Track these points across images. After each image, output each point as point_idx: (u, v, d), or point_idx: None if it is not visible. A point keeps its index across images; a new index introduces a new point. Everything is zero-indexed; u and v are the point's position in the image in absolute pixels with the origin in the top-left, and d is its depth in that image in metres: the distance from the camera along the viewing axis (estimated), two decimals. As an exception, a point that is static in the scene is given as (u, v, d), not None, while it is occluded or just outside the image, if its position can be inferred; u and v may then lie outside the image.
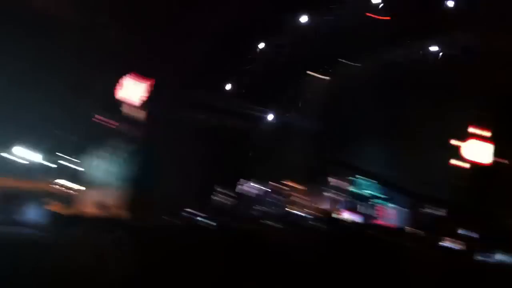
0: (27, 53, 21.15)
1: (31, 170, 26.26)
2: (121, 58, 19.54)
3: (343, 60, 19.53)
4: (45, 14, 19.61)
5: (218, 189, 19.21)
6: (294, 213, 18.09)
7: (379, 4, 16.39)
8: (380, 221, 17.41)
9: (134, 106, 20.90)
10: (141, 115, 20.41)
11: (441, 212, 16.71)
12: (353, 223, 15.47)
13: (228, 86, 21.29)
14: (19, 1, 18.45)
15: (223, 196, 18.49)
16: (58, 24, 19.80)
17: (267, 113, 22.11)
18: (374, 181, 18.76)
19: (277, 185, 18.91)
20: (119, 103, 20.33)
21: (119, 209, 13.51)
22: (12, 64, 21.48)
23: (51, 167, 28.19)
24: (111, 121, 21.81)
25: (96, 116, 23.48)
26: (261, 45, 20.00)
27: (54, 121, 23.35)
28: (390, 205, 18.22)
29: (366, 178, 18.91)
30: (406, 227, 15.72)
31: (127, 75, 20.61)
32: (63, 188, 21.89)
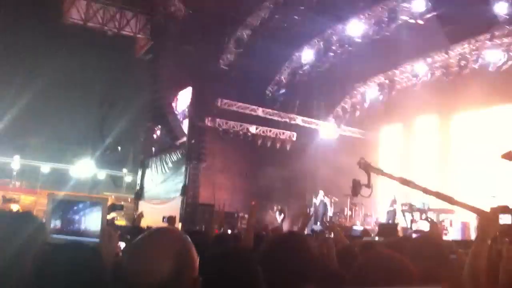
0: (83, 67, 22.09)
1: (91, 183, 27.33)
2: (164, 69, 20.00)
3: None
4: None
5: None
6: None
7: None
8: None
9: (185, 117, 21.32)
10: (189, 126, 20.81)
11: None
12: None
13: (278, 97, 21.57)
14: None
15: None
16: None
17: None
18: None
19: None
20: (170, 115, 20.75)
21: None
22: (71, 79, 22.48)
23: (111, 180, 29.27)
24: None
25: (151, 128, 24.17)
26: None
27: (113, 135, 24.26)
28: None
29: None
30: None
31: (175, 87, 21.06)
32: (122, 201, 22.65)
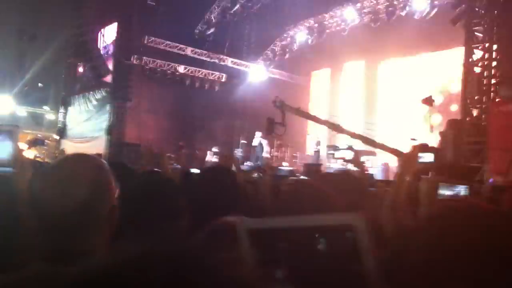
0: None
1: (10, 120, 26.07)
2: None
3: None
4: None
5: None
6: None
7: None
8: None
9: (110, 54, 20.60)
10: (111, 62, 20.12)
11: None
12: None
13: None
14: None
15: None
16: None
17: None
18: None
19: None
20: (94, 51, 19.91)
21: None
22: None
23: (32, 118, 28.06)
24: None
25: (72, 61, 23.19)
26: None
27: (33, 71, 23.11)
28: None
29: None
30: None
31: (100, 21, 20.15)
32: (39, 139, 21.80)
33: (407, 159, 2.83)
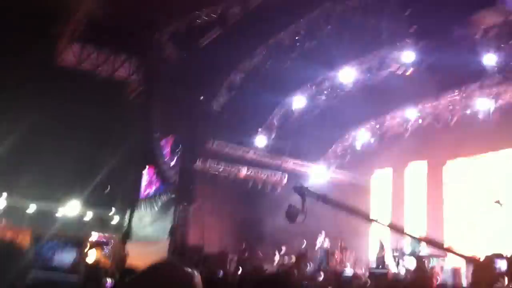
0: (74, 108, 22.11)
1: (78, 223, 26.98)
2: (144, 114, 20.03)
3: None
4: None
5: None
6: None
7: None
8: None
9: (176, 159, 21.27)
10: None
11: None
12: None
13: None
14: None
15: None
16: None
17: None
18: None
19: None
20: (160, 157, 20.67)
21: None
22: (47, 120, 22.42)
23: (98, 220, 28.87)
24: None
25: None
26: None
27: (102, 176, 24.09)
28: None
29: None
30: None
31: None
32: (103, 240, 22.27)
33: (483, 267, 2.75)
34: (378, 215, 13.84)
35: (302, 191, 11.90)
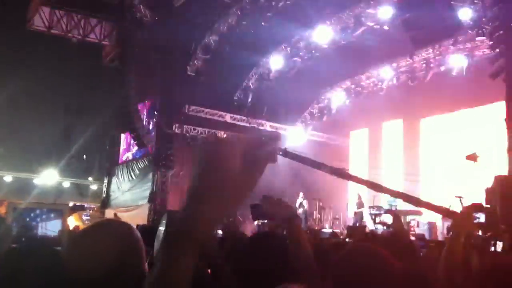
0: (48, 75, 21.70)
1: (56, 192, 26.83)
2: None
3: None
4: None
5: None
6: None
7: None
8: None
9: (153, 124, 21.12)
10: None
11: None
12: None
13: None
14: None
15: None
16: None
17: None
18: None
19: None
20: (137, 122, 20.48)
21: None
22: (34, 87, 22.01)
23: (76, 189, 28.76)
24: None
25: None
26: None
27: (78, 144, 23.86)
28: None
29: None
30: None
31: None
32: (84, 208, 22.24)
33: (462, 220, 2.79)
34: (357, 174, 14.00)
35: (285, 154, 11.95)
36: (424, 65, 17.36)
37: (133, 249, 1.64)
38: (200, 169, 1.02)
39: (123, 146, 24.27)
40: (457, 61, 16.20)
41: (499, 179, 10.46)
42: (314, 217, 18.44)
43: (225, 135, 21.08)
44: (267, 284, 1.84)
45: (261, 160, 1.06)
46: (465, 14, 14.04)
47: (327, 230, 15.18)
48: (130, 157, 23.17)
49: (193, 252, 0.98)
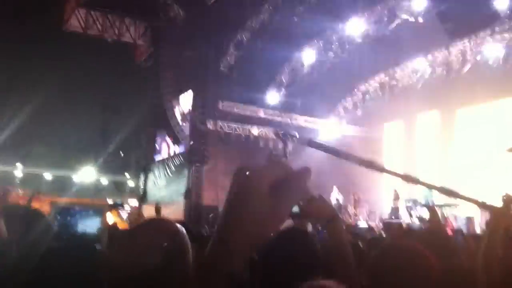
0: (84, 75, 22.13)
1: (94, 189, 27.41)
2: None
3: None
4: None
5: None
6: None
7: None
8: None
9: (187, 121, 21.30)
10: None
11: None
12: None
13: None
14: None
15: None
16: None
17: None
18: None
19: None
20: (172, 119, 20.71)
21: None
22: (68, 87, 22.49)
23: (114, 185, 29.28)
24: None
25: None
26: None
27: (115, 141, 24.27)
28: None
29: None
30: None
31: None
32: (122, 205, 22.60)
33: (501, 213, 2.76)
34: (391, 167, 13.83)
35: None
36: (460, 56, 17.02)
37: (180, 250, 1.65)
38: (229, 201, 1.02)
39: (157, 144, 24.59)
40: (494, 51, 15.83)
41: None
42: (349, 211, 18.34)
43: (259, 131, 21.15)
44: (294, 280, 1.82)
45: (291, 195, 1.04)
46: (502, 3, 13.71)
47: (363, 224, 15.09)
48: (165, 155, 23.46)
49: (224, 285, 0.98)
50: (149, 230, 1.71)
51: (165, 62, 20.22)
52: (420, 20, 15.68)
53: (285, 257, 2.34)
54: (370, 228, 12.22)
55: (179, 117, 21.55)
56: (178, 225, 1.76)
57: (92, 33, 20.66)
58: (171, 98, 21.08)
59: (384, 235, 8.77)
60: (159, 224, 1.77)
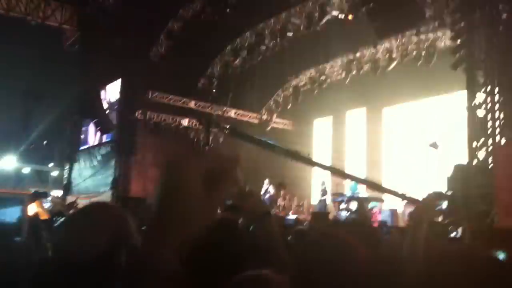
0: (6, 59, 21.07)
1: (15, 178, 26.23)
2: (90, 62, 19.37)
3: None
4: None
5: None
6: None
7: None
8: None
9: (115, 110, 20.80)
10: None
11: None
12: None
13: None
14: None
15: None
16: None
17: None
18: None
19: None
20: (99, 108, 20.11)
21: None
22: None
23: (37, 175, 28.16)
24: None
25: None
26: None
27: (38, 129, 23.33)
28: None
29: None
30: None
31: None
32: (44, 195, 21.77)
33: (425, 207, 2.83)
34: (320, 161, 14.15)
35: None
36: (387, 54, 17.57)
37: (126, 233, 1.60)
38: (160, 195, 0.99)
39: (83, 133, 23.87)
40: (419, 52, 16.43)
41: (459, 168, 10.72)
42: (278, 204, 18.55)
43: (189, 122, 20.97)
44: (226, 272, 1.79)
45: (221, 184, 1.03)
46: (428, 5, 14.23)
47: (292, 217, 15.30)
48: (91, 144, 22.81)
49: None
50: (93, 214, 1.66)
51: (93, 49, 19.56)
52: (350, 17, 16.02)
53: (215, 249, 2.27)
54: (298, 220, 12.42)
55: (106, 106, 20.97)
56: (122, 209, 1.73)
57: (15, 15, 19.67)
58: (99, 86, 20.46)
59: (311, 227, 8.91)
60: (105, 207, 1.73)
